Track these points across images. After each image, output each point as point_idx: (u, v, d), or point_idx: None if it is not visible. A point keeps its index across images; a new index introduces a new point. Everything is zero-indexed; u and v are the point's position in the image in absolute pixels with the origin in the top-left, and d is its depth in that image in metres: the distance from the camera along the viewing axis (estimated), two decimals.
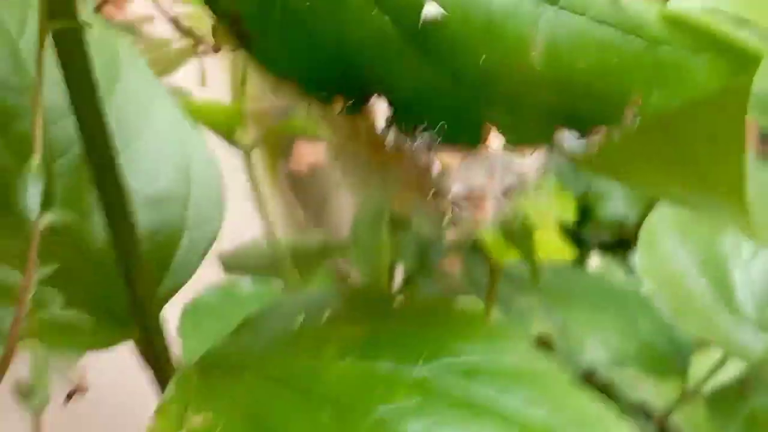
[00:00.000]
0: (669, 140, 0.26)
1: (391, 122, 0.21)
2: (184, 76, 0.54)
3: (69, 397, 0.30)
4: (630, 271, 1.16)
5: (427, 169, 0.22)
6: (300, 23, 0.20)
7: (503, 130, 0.22)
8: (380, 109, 0.21)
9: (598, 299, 0.56)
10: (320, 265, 0.57)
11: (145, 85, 0.30)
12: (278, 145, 1.00)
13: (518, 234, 0.45)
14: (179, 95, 0.52)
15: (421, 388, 0.23)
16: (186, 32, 0.54)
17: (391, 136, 0.21)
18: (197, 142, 0.30)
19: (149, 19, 0.59)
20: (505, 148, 0.22)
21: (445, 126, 0.21)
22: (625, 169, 0.27)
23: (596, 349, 0.84)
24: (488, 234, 0.55)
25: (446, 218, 0.23)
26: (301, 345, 0.25)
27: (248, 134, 0.53)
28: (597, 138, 0.23)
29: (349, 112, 0.21)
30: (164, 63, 0.52)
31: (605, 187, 1.26)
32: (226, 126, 0.50)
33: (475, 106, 0.21)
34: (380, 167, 0.23)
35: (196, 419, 0.23)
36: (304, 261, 0.57)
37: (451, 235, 0.23)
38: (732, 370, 0.58)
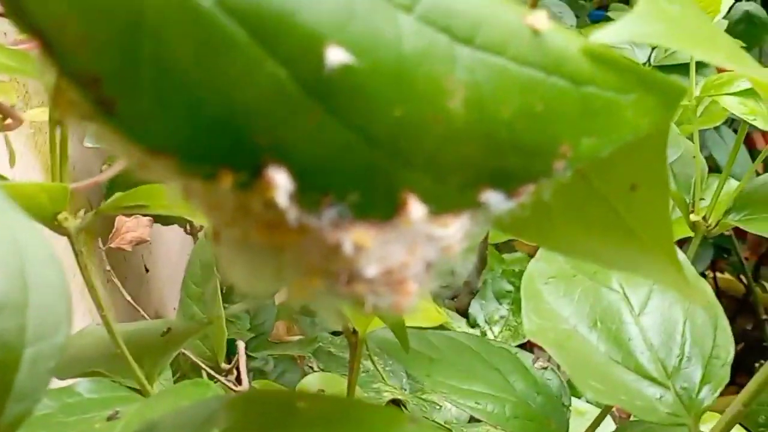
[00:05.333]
0: (591, 194, 0.23)
1: (292, 197, 0.17)
2: None
3: None
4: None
5: (337, 248, 0.18)
6: (177, 83, 0.16)
7: (423, 196, 0.18)
8: (278, 182, 0.17)
9: (466, 360, 0.53)
10: (167, 356, 0.52)
11: None
12: (95, 223, 0.94)
13: None
14: None
15: None
16: None
17: (292, 213, 0.17)
18: (32, 237, 0.25)
19: None
20: (425, 218, 0.18)
21: (357, 196, 0.18)
22: (551, 232, 0.23)
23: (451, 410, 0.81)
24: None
25: (365, 305, 0.19)
26: None
27: (72, 217, 0.47)
28: (525, 197, 0.20)
29: (240, 188, 0.17)
30: None
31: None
32: (48, 209, 0.44)
33: (391, 169, 0.18)
34: (276, 251, 0.19)
35: None
36: (147, 352, 0.52)
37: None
38: (609, 427, 0.56)
